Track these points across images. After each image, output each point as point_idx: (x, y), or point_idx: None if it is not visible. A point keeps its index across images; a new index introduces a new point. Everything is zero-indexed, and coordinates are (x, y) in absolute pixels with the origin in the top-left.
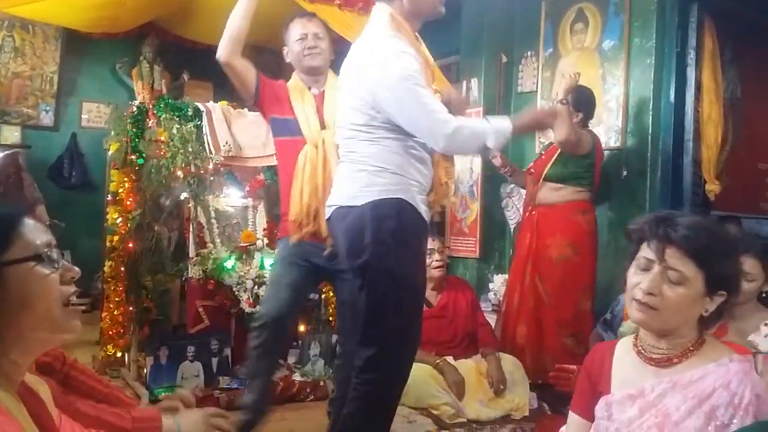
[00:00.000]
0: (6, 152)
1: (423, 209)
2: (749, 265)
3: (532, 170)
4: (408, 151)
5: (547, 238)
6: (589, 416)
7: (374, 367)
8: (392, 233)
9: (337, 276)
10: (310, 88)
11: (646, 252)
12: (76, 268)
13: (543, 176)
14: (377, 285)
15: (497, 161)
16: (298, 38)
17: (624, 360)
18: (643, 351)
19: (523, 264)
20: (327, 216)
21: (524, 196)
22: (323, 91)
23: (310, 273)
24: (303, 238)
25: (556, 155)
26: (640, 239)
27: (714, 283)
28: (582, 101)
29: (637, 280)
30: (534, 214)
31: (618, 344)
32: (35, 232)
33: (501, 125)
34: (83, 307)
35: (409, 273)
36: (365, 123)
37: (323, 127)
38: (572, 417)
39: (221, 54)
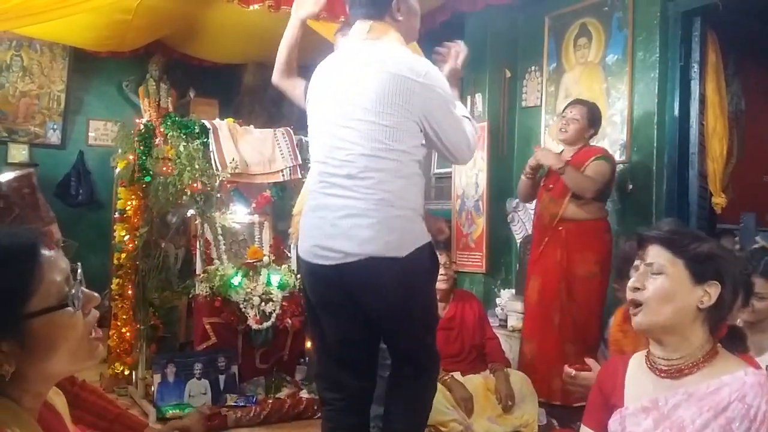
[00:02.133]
0: (20, 172)
1: None
2: (759, 284)
3: (551, 186)
4: (421, 188)
5: (576, 254)
6: (602, 430)
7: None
8: (429, 279)
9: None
10: None
11: (635, 264)
12: (96, 294)
13: (569, 196)
14: (415, 326)
15: (533, 162)
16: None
17: (637, 374)
18: (654, 364)
19: (556, 282)
20: (343, 260)
21: (534, 211)
22: None
23: None
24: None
25: (582, 171)
26: (630, 259)
27: (698, 269)
28: (596, 118)
29: (627, 286)
30: (561, 230)
31: (631, 359)
32: (54, 267)
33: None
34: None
35: (434, 306)
36: (402, 150)
37: None
38: (585, 431)
39: (272, 78)
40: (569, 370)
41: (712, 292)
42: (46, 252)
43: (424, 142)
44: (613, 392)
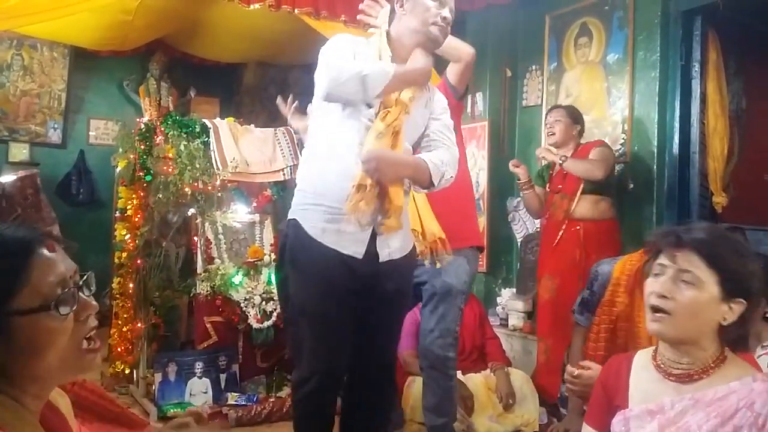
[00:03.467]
0: (24, 173)
1: (325, 230)
2: None
3: (559, 186)
4: (322, 163)
5: (593, 254)
6: (604, 429)
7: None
8: (283, 253)
9: None
10: None
11: (661, 259)
12: (94, 303)
13: (581, 190)
14: (281, 303)
15: (520, 172)
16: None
17: (642, 374)
18: (662, 366)
19: (575, 281)
20: None
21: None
22: None
23: None
24: None
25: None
26: (657, 250)
27: (730, 287)
28: (577, 115)
29: (652, 288)
30: (578, 229)
31: (636, 356)
32: (48, 268)
33: (382, 65)
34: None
35: (297, 295)
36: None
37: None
38: (587, 429)
39: None
40: (572, 369)
41: (736, 309)
42: (43, 252)
43: (321, 114)
44: (617, 392)
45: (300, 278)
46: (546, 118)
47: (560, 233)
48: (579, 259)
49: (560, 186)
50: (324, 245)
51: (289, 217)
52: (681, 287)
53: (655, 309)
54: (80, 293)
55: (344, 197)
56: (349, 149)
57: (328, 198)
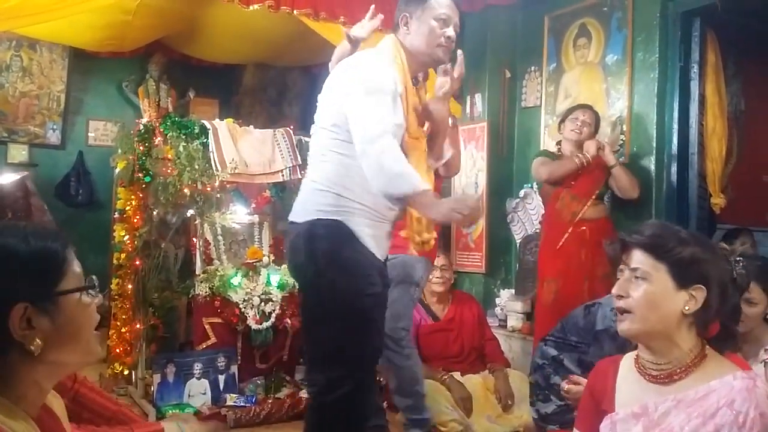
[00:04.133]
0: (15, 176)
1: (366, 234)
2: (752, 291)
3: (572, 183)
4: (347, 166)
5: (597, 255)
6: None
7: (314, 385)
8: (324, 255)
9: None
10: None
11: (619, 268)
12: (100, 296)
13: (595, 196)
14: (310, 304)
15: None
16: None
17: (627, 378)
18: (643, 368)
19: (581, 282)
20: None
21: (540, 210)
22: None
23: None
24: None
25: (606, 177)
26: (616, 262)
27: (681, 274)
28: (599, 124)
29: (612, 292)
30: (584, 229)
31: (622, 361)
32: (76, 260)
33: (421, 184)
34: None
35: (344, 296)
36: (325, 138)
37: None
38: None
39: None
40: (563, 384)
41: (697, 296)
42: (71, 248)
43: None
44: (604, 396)
45: (346, 280)
46: (573, 112)
47: (565, 236)
48: (584, 259)
49: (573, 182)
50: (367, 248)
51: (323, 217)
52: (634, 284)
53: (619, 310)
54: None
55: (386, 205)
56: None
57: (370, 202)
